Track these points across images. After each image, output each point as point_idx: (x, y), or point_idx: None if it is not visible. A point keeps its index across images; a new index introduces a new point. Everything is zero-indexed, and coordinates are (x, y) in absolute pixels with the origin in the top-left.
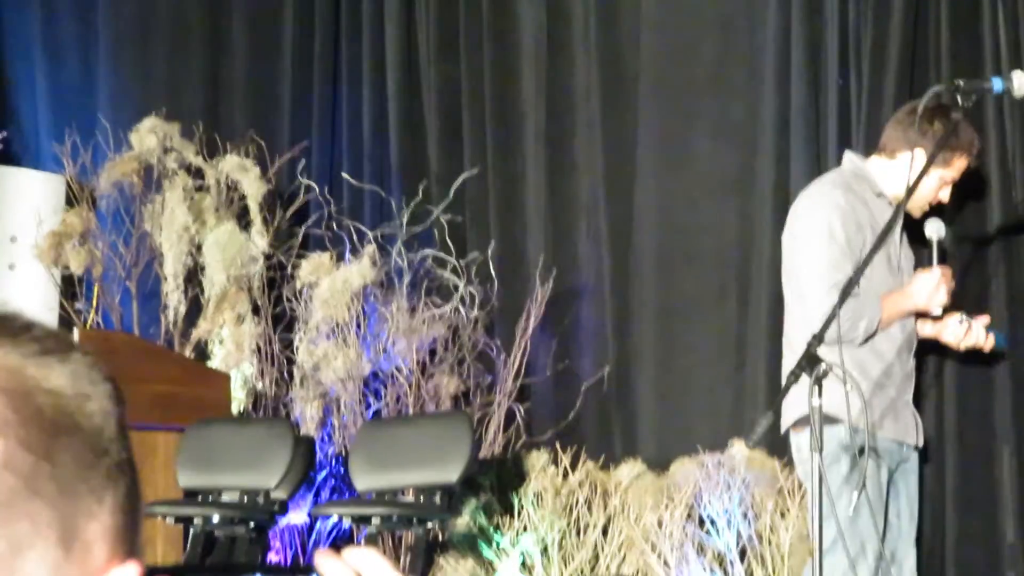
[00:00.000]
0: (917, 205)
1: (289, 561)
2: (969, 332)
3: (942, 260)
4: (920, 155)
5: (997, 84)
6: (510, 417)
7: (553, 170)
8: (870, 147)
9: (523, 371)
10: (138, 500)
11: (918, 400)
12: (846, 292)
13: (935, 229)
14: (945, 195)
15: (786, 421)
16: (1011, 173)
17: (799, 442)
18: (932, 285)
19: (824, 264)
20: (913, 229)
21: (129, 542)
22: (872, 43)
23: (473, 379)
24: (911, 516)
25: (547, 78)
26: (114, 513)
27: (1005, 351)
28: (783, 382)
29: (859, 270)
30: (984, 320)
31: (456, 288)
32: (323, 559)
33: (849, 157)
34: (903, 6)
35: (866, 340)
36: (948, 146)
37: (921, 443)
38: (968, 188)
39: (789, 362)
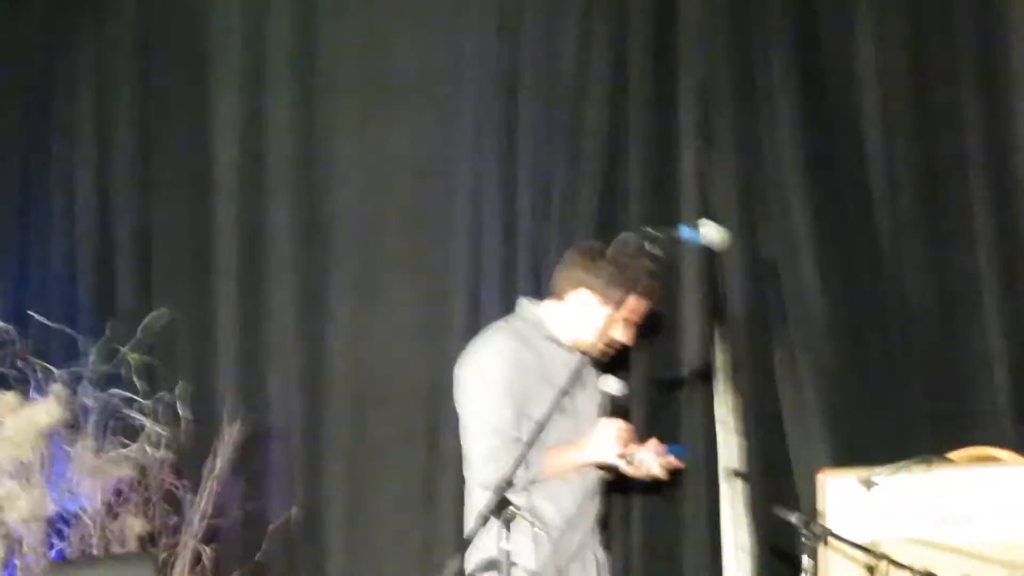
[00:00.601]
0: (590, 344)
1: None
2: (641, 466)
3: (618, 414)
4: (586, 295)
5: (684, 232)
6: (197, 558)
7: (244, 310)
8: None
9: (210, 512)
10: None
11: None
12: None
13: (609, 385)
14: (623, 336)
15: (469, 566)
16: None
17: None
18: (604, 438)
19: (482, 409)
20: (614, 366)
21: None
22: (563, 191)
23: (160, 520)
24: None
25: (241, 218)
26: None
27: (686, 459)
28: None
29: (539, 425)
30: (646, 448)
31: (144, 428)
32: None
33: (522, 303)
34: (595, 153)
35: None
36: (619, 287)
37: None
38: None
39: (470, 505)
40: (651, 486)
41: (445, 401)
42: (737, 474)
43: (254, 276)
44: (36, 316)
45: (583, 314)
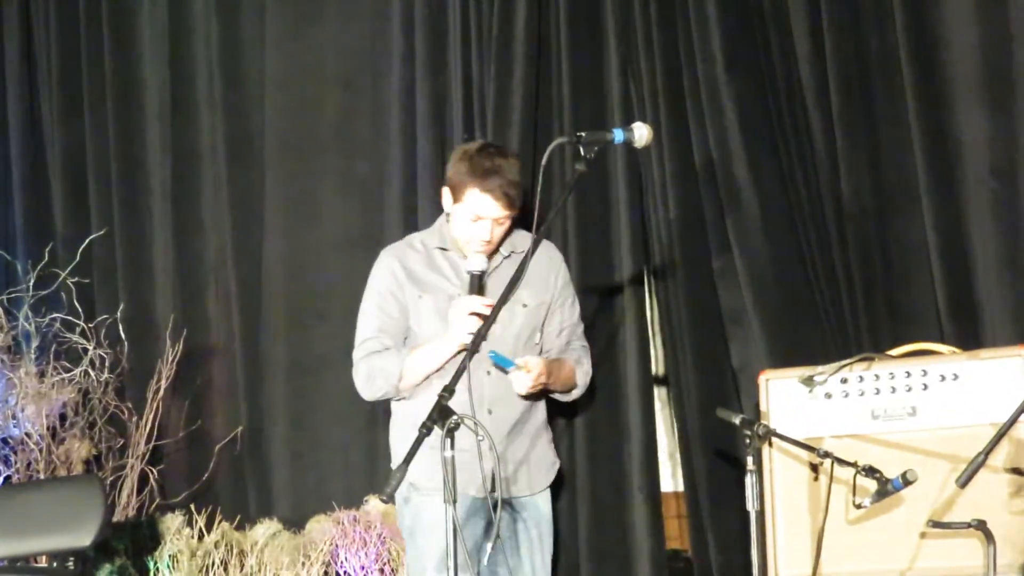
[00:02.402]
0: (462, 246)
1: None
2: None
3: (474, 291)
4: (445, 192)
5: (618, 135)
6: (143, 480)
7: (180, 229)
8: None
9: (156, 433)
10: None
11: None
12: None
13: (471, 264)
14: (476, 232)
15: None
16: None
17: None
18: (455, 313)
19: (360, 322)
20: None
21: None
22: (496, 98)
23: (105, 443)
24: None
25: (172, 136)
26: None
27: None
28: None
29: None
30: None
31: (85, 351)
32: None
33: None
34: (524, 61)
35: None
36: (458, 180)
37: (538, 488)
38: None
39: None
40: (592, 396)
41: None
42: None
43: (188, 195)
44: None
45: (448, 213)
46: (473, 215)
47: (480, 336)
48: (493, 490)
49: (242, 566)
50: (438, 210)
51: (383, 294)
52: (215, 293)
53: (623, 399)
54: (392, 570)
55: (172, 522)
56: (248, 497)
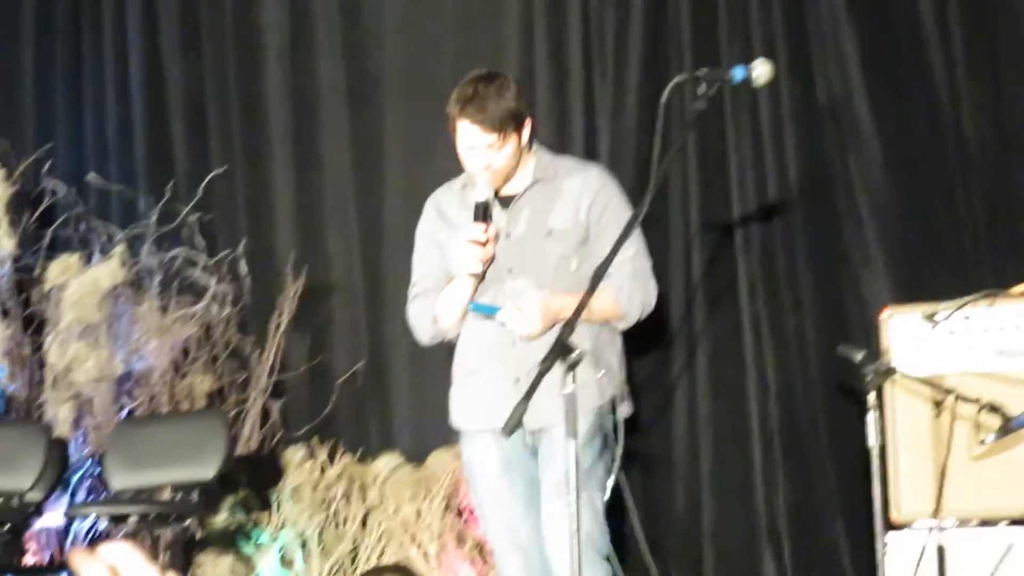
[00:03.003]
0: (473, 178)
1: (46, 563)
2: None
3: (477, 220)
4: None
5: (738, 73)
6: (265, 414)
7: (300, 166)
8: (614, 138)
9: (277, 368)
10: None
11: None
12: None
13: (475, 193)
14: (473, 162)
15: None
16: (762, 159)
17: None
18: (455, 244)
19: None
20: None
21: None
22: (615, 36)
23: (227, 377)
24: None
25: (292, 76)
26: None
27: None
28: None
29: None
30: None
31: (207, 286)
32: (77, 556)
33: None
34: None
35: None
36: (447, 113)
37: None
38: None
39: None
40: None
41: None
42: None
43: (308, 134)
44: (96, 178)
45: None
46: (463, 145)
47: (487, 262)
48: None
49: (364, 499)
50: (558, 149)
51: (422, 239)
52: (336, 230)
53: (742, 333)
54: None
55: (294, 455)
56: (369, 431)
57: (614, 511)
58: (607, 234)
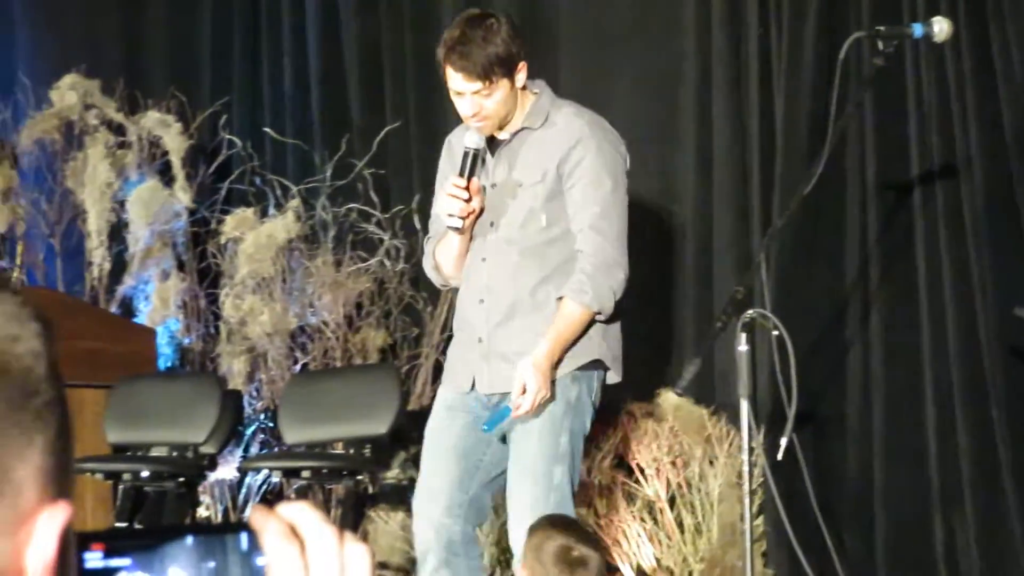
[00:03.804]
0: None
1: (220, 516)
2: None
3: (464, 170)
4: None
5: (917, 30)
6: (438, 369)
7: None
8: (790, 97)
9: (449, 323)
10: (69, 441)
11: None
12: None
13: (468, 140)
14: (462, 108)
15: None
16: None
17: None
18: (446, 193)
19: None
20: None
21: (59, 483)
22: None
23: (400, 332)
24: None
25: None
26: (44, 454)
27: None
28: None
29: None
30: None
31: (382, 241)
32: (258, 515)
33: None
34: None
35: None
36: (437, 55)
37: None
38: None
39: None
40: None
41: (675, 208)
42: None
43: None
44: (271, 133)
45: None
46: (452, 91)
47: (466, 216)
48: (474, 387)
49: None
50: (733, 108)
51: (439, 179)
52: None
53: (918, 295)
54: (684, 463)
55: None
56: None
57: (786, 472)
58: (578, 190)
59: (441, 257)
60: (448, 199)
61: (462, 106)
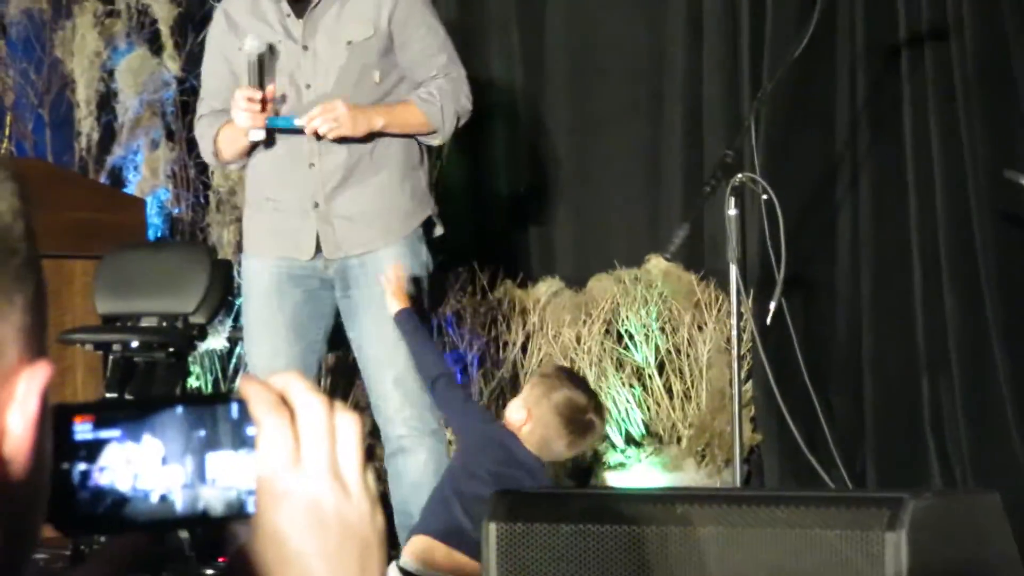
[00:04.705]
0: None
1: (210, 386)
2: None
3: (252, 79)
4: None
5: None
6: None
7: None
8: None
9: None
10: (44, 300)
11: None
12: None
13: (249, 46)
14: None
15: None
16: None
17: None
18: (233, 106)
19: None
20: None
21: (38, 342)
22: None
23: None
24: None
25: None
26: (24, 313)
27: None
28: None
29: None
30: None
31: None
32: (247, 385)
33: None
34: None
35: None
36: None
37: (376, 245)
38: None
39: None
40: None
41: (666, 71)
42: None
43: None
44: None
45: None
46: None
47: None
48: (319, 252)
49: (524, 323)
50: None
51: (210, 50)
52: (497, 52)
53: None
54: (673, 329)
55: (455, 279)
56: (530, 255)
57: (775, 337)
58: (415, 42)
59: (225, 146)
60: (241, 113)
61: None
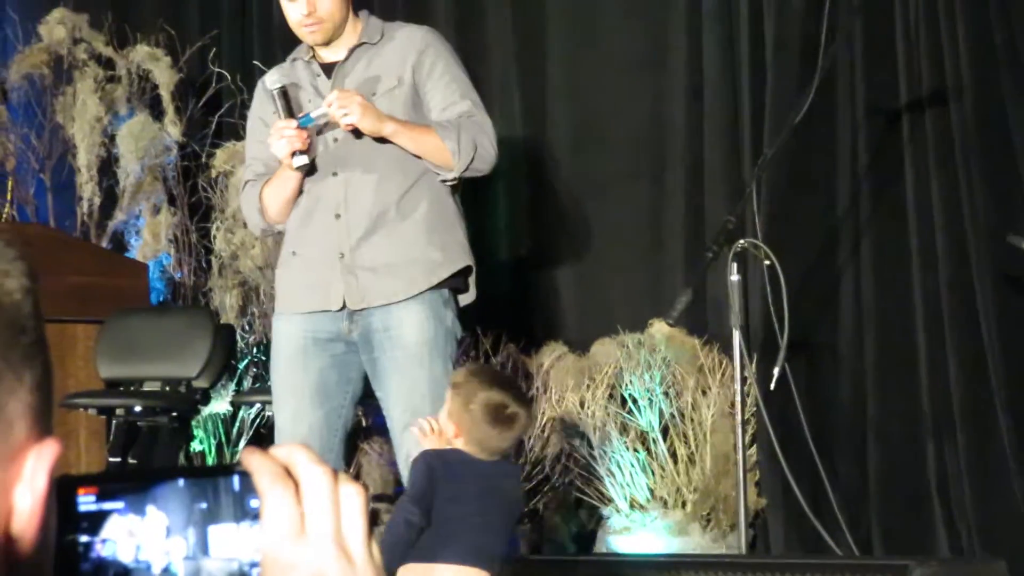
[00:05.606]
0: (297, 33)
1: (213, 451)
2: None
3: (283, 110)
4: None
5: None
6: None
7: (464, 51)
8: (779, 25)
9: None
10: (51, 378)
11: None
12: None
13: (270, 82)
14: (295, 10)
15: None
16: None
17: None
18: (272, 139)
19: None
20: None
21: (45, 420)
22: None
23: None
24: None
25: None
26: (32, 391)
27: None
28: None
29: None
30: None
31: None
32: (250, 456)
33: None
34: None
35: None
36: None
37: (399, 296)
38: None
39: None
40: None
41: (667, 136)
42: None
43: (471, 16)
44: (260, 66)
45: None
46: None
47: (307, 153)
48: (344, 306)
49: (528, 388)
50: (725, 34)
51: (252, 120)
52: (499, 114)
53: (908, 222)
54: (677, 393)
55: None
56: (534, 320)
57: (779, 401)
58: (437, 92)
59: (270, 199)
60: (280, 142)
61: (293, 10)
